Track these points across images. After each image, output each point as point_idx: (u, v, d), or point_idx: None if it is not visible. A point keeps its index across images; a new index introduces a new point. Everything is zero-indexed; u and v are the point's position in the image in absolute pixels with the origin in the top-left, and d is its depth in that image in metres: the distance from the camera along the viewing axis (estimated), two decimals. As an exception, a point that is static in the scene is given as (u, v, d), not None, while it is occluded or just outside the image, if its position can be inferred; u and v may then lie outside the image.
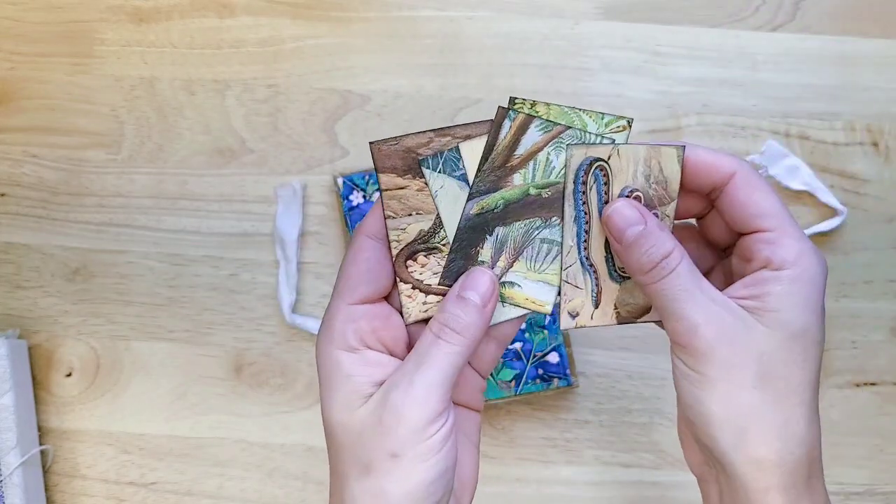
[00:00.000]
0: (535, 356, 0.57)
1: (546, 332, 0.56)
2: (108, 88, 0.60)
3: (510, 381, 0.57)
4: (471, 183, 0.37)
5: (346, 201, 0.58)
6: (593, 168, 0.37)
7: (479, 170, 0.37)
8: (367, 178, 0.58)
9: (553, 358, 0.56)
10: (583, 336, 0.58)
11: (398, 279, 0.38)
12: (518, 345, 0.56)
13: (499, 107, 0.37)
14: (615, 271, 0.38)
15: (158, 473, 0.59)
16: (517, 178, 0.37)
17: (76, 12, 0.60)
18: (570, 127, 0.37)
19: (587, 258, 0.38)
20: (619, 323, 0.39)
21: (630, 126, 0.37)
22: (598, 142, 0.37)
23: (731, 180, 0.36)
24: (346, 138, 0.59)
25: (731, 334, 0.33)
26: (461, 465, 0.37)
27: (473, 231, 0.37)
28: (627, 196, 0.37)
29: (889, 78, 0.59)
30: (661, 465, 0.57)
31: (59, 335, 0.60)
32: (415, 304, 0.38)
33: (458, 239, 0.37)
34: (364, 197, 0.58)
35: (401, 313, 0.38)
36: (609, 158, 0.37)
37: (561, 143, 0.37)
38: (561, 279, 0.38)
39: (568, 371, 0.56)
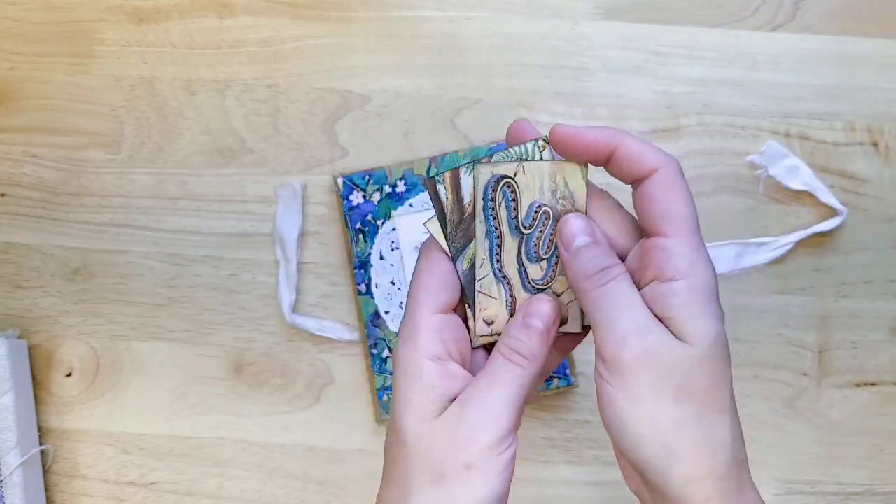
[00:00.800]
0: None
1: None
2: (108, 88, 0.60)
3: None
4: (447, 248, 0.39)
5: (346, 201, 0.58)
6: (500, 185, 0.38)
7: (446, 235, 0.39)
8: (367, 177, 0.58)
9: None
10: (583, 336, 0.58)
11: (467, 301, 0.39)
12: None
13: (425, 179, 0.39)
14: (528, 284, 0.39)
15: (158, 473, 0.59)
16: (478, 223, 0.39)
17: (76, 12, 0.60)
18: (489, 156, 0.39)
19: (500, 270, 0.39)
20: None
21: (547, 144, 0.38)
22: (502, 159, 0.38)
23: (653, 175, 0.36)
24: (346, 138, 0.59)
25: (656, 349, 0.34)
26: None
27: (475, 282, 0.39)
28: (536, 211, 0.38)
29: (889, 78, 0.59)
30: (661, 465, 0.58)
31: (59, 335, 0.60)
32: (481, 327, 0.39)
33: (469, 296, 0.39)
34: (364, 197, 0.58)
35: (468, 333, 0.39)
36: (515, 175, 0.38)
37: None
38: (475, 290, 0.39)
39: (568, 371, 0.56)
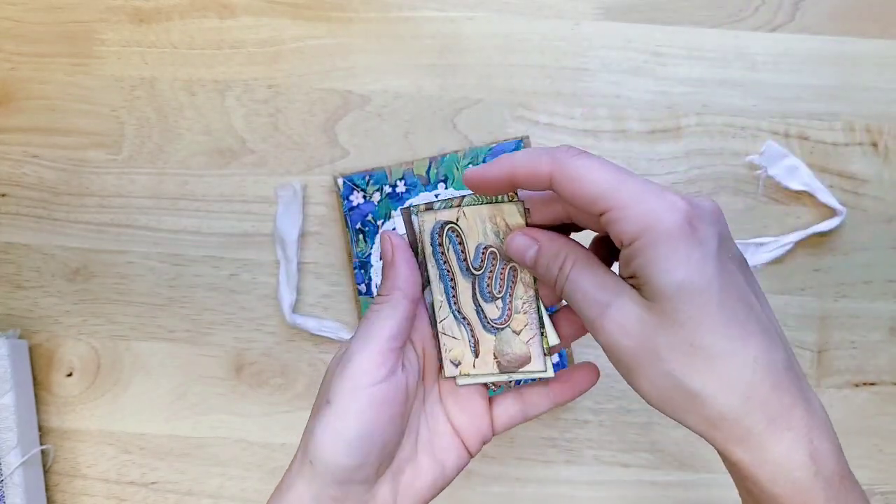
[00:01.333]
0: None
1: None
2: (108, 89, 0.60)
3: (510, 381, 0.57)
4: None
5: (346, 201, 0.58)
6: (445, 230, 0.40)
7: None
8: (367, 178, 0.58)
9: (553, 358, 0.56)
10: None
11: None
12: None
13: (402, 209, 0.40)
14: (488, 323, 0.40)
15: (159, 473, 0.59)
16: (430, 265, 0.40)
17: (76, 13, 0.61)
18: (435, 202, 0.40)
19: (458, 311, 0.40)
20: (502, 372, 0.40)
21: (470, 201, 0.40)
22: (441, 207, 0.39)
23: (553, 178, 0.35)
24: (346, 139, 0.59)
25: (628, 328, 0.34)
26: (419, 465, 0.40)
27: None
28: (483, 252, 0.40)
29: (888, 78, 0.59)
30: (661, 465, 0.58)
31: (60, 335, 0.60)
32: (449, 368, 0.41)
33: (435, 336, 0.41)
34: (364, 197, 0.58)
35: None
36: (458, 220, 0.40)
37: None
38: (437, 331, 0.40)
39: (568, 367, 0.56)
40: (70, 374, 0.59)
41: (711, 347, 0.33)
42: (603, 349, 0.36)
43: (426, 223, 0.40)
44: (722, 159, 0.58)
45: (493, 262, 0.40)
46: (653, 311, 0.33)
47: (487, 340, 0.40)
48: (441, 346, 0.40)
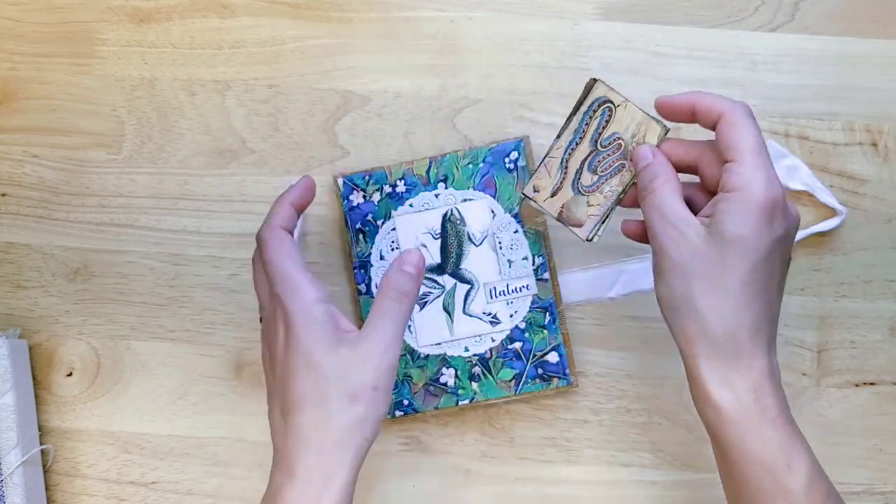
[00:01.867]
0: (534, 356, 0.57)
1: (546, 331, 0.57)
2: (108, 89, 0.60)
3: (510, 381, 0.57)
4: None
5: (346, 201, 0.58)
6: (603, 106, 0.50)
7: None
8: (367, 178, 0.58)
9: (553, 357, 0.57)
10: (582, 336, 0.58)
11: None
12: (518, 344, 0.57)
13: (591, 79, 0.50)
14: (577, 184, 0.51)
15: (159, 473, 0.59)
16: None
17: (77, 13, 0.61)
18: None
19: (565, 161, 0.51)
20: (557, 219, 0.52)
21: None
22: (622, 95, 0.50)
23: (720, 119, 0.45)
24: (346, 139, 0.59)
25: (679, 242, 0.44)
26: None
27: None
28: (614, 139, 0.50)
29: (888, 78, 0.59)
30: (661, 465, 0.58)
31: (60, 335, 0.60)
32: (529, 188, 0.52)
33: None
34: (364, 197, 0.58)
35: None
36: (618, 106, 0.50)
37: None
38: (543, 161, 0.51)
39: (567, 371, 0.56)
40: (70, 374, 0.60)
41: (727, 289, 0.43)
42: (654, 250, 0.46)
43: (597, 90, 0.50)
44: (722, 159, 0.58)
45: (614, 151, 0.50)
46: (705, 242, 0.44)
47: (566, 194, 0.51)
48: (536, 171, 0.52)
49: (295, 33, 0.60)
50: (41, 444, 0.59)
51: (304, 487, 0.43)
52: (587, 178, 0.51)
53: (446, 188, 0.58)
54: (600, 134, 0.50)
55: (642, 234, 0.50)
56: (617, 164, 0.50)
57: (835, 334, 0.58)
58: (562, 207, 0.51)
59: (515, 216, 0.57)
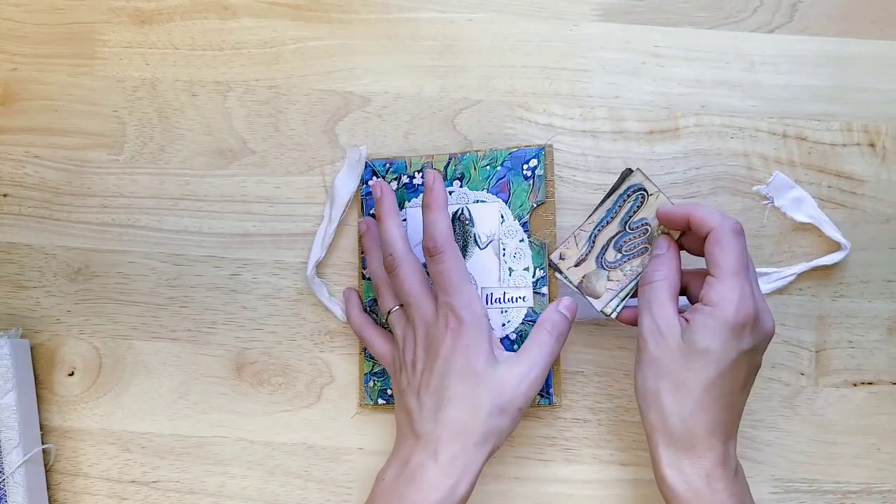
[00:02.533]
0: None
1: None
2: (110, 89, 0.60)
3: None
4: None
5: (364, 185, 0.58)
6: (637, 192, 0.53)
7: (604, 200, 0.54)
8: (387, 165, 0.58)
9: None
10: (582, 335, 0.58)
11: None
12: None
13: (627, 169, 0.54)
14: (601, 259, 0.54)
15: (160, 472, 0.59)
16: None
17: (78, 14, 0.61)
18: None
19: (594, 237, 0.54)
20: (576, 287, 0.54)
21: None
22: (655, 185, 0.53)
23: (709, 234, 0.49)
24: (347, 139, 0.60)
25: (658, 341, 0.49)
26: None
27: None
28: (642, 224, 0.53)
29: (886, 79, 0.59)
30: (660, 464, 0.58)
31: (62, 335, 0.60)
32: (555, 254, 0.55)
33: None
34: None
35: None
36: (650, 195, 0.53)
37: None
38: (574, 232, 0.54)
39: (552, 390, 0.56)
40: (72, 374, 0.60)
41: (690, 391, 0.48)
42: (637, 339, 0.50)
43: (634, 177, 0.53)
44: (720, 160, 0.59)
45: (641, 234, 0.53)
46: (680, 349, 0.48)
47: (589, 266, 0.54)
48: (566, 241, 0.54)
49: (296, 34, 0.60)
50: (43, 443, 0.59)
51: (447, 471, 0.49)
52: (611, 255, 0.54)
53: (461, 186, 0.57)
54: (630, 217, 0.53)
55: (635, 320, 0.53)
56: (641, 246, 0.53)
57: (833, 334, 0.58)
58: (583, 277, 0.54)
59: (523, 225, 0.56)
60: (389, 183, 0.58)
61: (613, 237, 0.53)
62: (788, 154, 0.59)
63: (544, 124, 0.59)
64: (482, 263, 0.56)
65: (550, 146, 0.56)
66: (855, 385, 0.58)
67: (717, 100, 0.59)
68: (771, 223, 0.58)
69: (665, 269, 0.51)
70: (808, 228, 0.58)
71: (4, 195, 0.60)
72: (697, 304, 0.49)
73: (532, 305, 0.56)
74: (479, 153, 0.57)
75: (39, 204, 0.60)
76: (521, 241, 0.56)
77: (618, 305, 0.53)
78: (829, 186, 0.58)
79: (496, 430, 0.50)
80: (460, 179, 0.57)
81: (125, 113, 0.60)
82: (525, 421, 0.58)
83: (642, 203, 0.53)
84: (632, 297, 0.53)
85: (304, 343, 0.59)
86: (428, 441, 0.50)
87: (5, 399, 0.56)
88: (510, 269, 0.56)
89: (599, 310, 0.54)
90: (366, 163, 0.58)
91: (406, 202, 0.58)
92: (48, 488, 0.59)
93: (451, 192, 0.57)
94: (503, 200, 0.57)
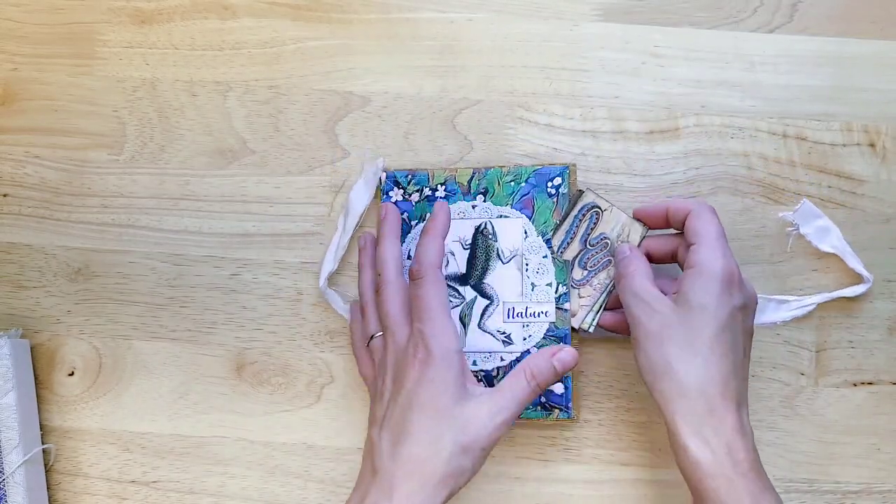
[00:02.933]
0: None
1: None
2: (110, 90, 0.60)
3: None
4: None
5: (385, 196, 0.58)
6: (591, 210, 0.56)
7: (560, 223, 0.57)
8: (409, 177, 0.58)
9: (558, 389, 0.56)
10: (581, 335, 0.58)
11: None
12: None
13: (578, 189, 0.56)
14: (568, 279, 0.56)
15: (160, 472, 0.59)
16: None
17: (78, 14, 0.61)
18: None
19: (558, 258, 0.56)
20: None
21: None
22: (608, 200, 0.56)
23: (689, 215, 0.52)
24: (347, 139, 0.60)
25: (651, 315, 0.50)
26: None
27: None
28: (601, 240, 0.56)
29: (886, 79, 0.59)
30: (660, 464, 0.58)
31: (62, 335, 0.60)
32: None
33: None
34: (403, 196, 0.58)
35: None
36: (604, 210, 0.56)
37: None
38: (553, 255, 0.56)
39: (570, 404, 0.56)
40: (72, 374, 0.60)
41: (696, 350, 0.48)
42: (630, 324, 0.51)
43: (586, 196, 0.56)
44: (720, 160, 0.59)
45: (602, 249, 0.56)
46: (674, 312, 0.49)
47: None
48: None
49: (296, 34, 0.60)
50: (43, 443, 0.59)
51: None
52: (578, 273, 0.56)
53: (484, 201, 0.57)
54: (589, 234, 0.56)
55: (617, 325, 0.55)
56: (604, 260, 0.56)
57: (833, 334, 0.58)
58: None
59: (547, 241, 0.56)
60: (411, 195, 0.58)
61: (577, 256, 0.56)
62: (788, 154, 0.59)
63: (544, 124, 0.59)
64: (505, 278, 0.57)
65: (574, 165, 0.57)
66: (855, 385, 0.58)
67: (717, 100, 0.59)
68: (792, 248, 0.58)
69: (633, 263, 0.53)
70: (832, 259, 0.58)
71: (4, 195, 0.61)
72: (684, 272, 0.51)
73: (554, 321, 0.56)
74: (504, 169, 0.57)
75: (39, 204, 0.60)
76: (545, 257, 0.56)
77: (593, 319, 0.55)
78: (829, 186, 0.58)
79: (457, 470, 0.48)
80: (484, 194, 0.57)
81: (125, 113, 0.60)
82: (525, 421, 0.58)
83: (598, 220, 0.56)
84: (606, 309, 0.55)
85: (304, 343, 0.59)
86: (384, 478, 0.48)
87: (5, 399, 0.56)
88: (533, 284, 0.56)
89: (577, 327, 0.55)
90: (388, 173, 0.58)
91: (428, 213, 0.57)
92: (48, 488, 0.59)
93: (473, 206, 0.57)
94: (527, 216, 0.57)
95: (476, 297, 0.57)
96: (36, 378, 0.59)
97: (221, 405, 0.59)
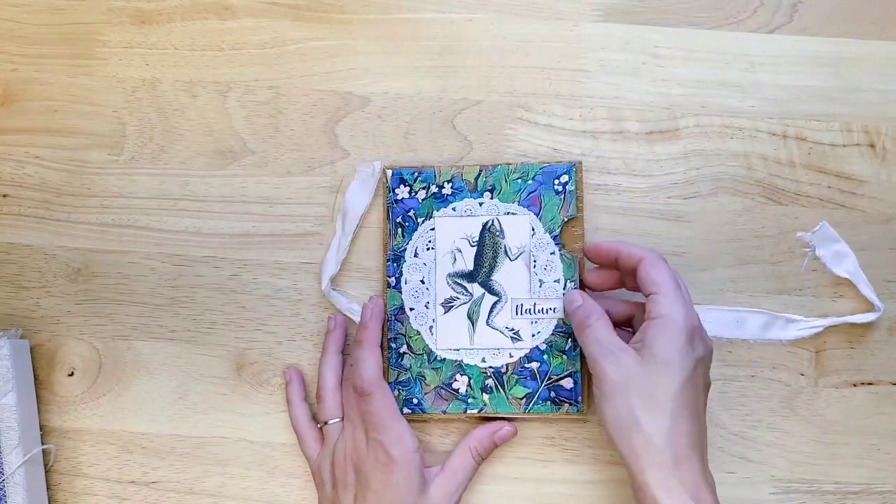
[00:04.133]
0: (549, 378, 0.56)
1: (565, 357, 0.56)
2: (110, 90, 0.61)
3: (521, 399, 0.57)
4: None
5: (391, 193, 0.58)
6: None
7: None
8: (415, 174, 0.58)
9: (567, 383, 0.56)
10: (582, 336, 0.58)
11: None
12: (535, 364, 0.56)
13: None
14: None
15: (160, 472, 0.59)
16: None
17: (78, 14, 0.61)
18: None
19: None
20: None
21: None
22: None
23: (640, 262, 0.52)
24: (347, 140, 0.60)
25: (618, 367, 0.50)
26: None
27: None
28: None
29: (886, 79, 0.59)
30: (660, 464, 0.58)
31: (62, 335, 0.60)
32: None
33: None
34: (409, 192, 0.58)
35: None
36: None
37: None
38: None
39: (580, 398, 0.56)
40: (71, 374, 0.60)
41: (661, 404, 0.49)
42: (595, 375, 0.51)
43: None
44: (720, 160, 0.59)
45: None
46: (639, 365, 0.50)
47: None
48: None
49: (296, 35, 0.60)
50: (43, 443, 0.59)
51: None
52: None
53: (491, 198, 0.58)
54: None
55: (604, 283, 0.56)
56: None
57: (833, 334, 0.58)
58: None
59: (555, 238, 0.57)
60: (417, 192, 0.58)
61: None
62: (788, 154, 0.59)
63: (544, 125, 0.59)
64: (513, 274, 0.57)
65: (580, 163, 0.57)
66: (855, 385, 0.58)
67: (716, 100, 0.59)
68: (806, 269, 0.58)
69: (592, 313, 0.53)
70: (844, 284, 0.58)
71: (4, 195, 0.61)
72: (646, 322, 0.51)
73: (562, 317, 0.56)
74: (511, 166, 0.58)
75: (39, 204, 0.60)
76: (552, 253, 0.57)
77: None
78: (829, 187, 0.58)
79: None
80: (490, 191, 0.58)
81: (125, 113, 0.60)
82: (525, 421, 0.58)
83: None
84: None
85: (303, 343, 0.59)
86: None
87: (5, 399, 0.56)
88: (541, 280, 0.57)
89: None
90: (392, 171, 0.58)
91: (435, 211, 0.58)
92: (48, 489, 0.59)
93: (480, 204, 0.57)
94: (534, 213, 0.57)
95: (484, 293, 0.57)
96: (36, 378, 0.59)
97: (221, 405, 0.59)
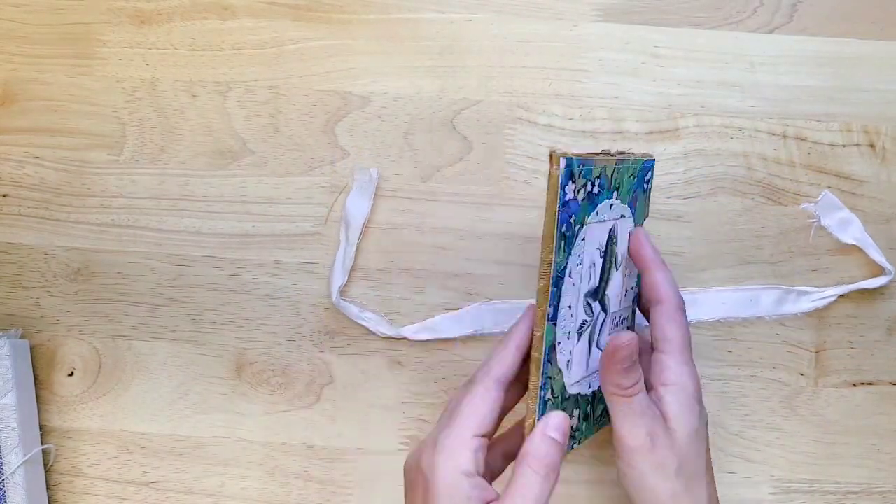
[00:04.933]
0: None
1: None
2: (109, 90, 0.60)
3: (600, 417, 0.52)
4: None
5: (561, 192, 0.41)
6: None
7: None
8: (581, 166, 0.42)
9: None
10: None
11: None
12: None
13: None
14: None
15: (160, 472, 0.59)
16: None
17: (77, 14, 0.61)
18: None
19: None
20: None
21: None
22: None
23: (658, 305, 0.48)
24: (347, 140, 0.60)
25: (668, 439, 0.46)
26: None
27: None
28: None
29: (886, 79, 0.59)
30: (660, 464, 0.58)
31: (62, 335, 0.60)
32: None
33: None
34: (575, 192, 0.43)
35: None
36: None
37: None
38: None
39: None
40: (71, 374, 0.60)
41: (702, 474, 0.47)
42: (618, 437, 0.46)
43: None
44: (720, 160, 0.59)
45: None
46: (667, 437, 0.46)
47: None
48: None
49: (295, 35, 0.60)
50: (42, 443, 0.59)
51: None
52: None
53: (617, 198, 0.47)
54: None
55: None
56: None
57: (833, 334, 0.58)
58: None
59: None
60: (579, 191, 0.43)
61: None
62: (788, 154, 0.59)
63: (544, 125, 0.59)
64: (614, 285, 0.49)
65: (650, 155, 0.52)
66: (855, 385, 0.58)
67: (716, 100, 0.59)
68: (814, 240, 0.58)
69: (640, 378, 0.46)
70: (853, 250, 0.58)
71: (4, 195, 0.61)
72: (661, 388, 0.47)
73: (630, 324, 0.53)
74: (630, 159, 0.48)
75: (39, 204, 0.60)
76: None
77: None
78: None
79: None
80: (618, 190, 0.47)
81: (125, 113, 0.60)
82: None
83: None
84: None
85: (303, 343, 0.59)
86: None
87: (5, 399, 0.56)
88: (626, 289, 0.51)
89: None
90: (564, 159, 0.41)
91: (587, 217, 0.44)
92: (48, 489, 0.59)
93: (611, 206, 0.47)
94: (632, 215, 0.50)
95: (600, 312, 0.48)
96: (36, 378, 0.59)
97: (221, 405, 0.59)
